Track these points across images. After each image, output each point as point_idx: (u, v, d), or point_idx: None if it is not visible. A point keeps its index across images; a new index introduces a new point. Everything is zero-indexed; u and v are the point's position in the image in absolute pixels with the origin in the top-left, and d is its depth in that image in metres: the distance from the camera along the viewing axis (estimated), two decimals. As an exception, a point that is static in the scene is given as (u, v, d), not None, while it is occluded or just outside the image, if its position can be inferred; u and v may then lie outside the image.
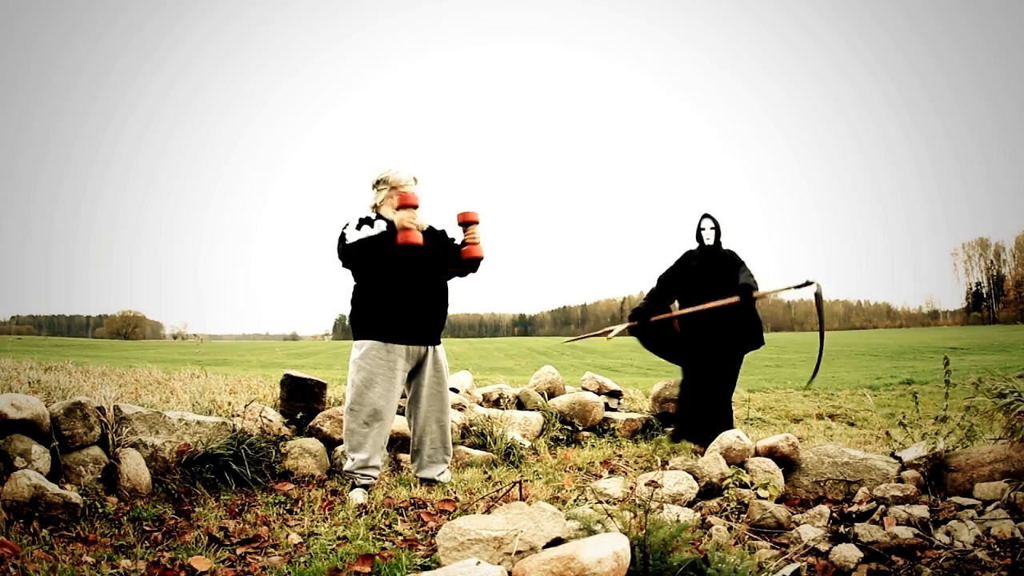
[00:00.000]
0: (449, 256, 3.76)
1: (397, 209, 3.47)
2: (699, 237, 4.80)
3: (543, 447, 4.65)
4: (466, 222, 3.70)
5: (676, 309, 4.80)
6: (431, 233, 3.75)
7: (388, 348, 3.49)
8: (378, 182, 3.66)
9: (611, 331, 4.96)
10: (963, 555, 2.29)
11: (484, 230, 3.76)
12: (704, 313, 4.54)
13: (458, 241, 3.77)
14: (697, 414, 4.61)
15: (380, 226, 3.47)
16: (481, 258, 3.70)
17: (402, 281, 3.52)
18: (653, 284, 4.90)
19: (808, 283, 4.38)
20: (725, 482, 3.22)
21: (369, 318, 3.52)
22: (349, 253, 3.45)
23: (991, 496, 2.82)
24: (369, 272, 3.55)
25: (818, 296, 4.48)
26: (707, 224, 4.76)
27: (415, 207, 3.46)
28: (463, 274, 3.83)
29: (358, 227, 3.50)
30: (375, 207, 3.69)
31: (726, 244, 4.82)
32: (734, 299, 4.42)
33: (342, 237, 3.48)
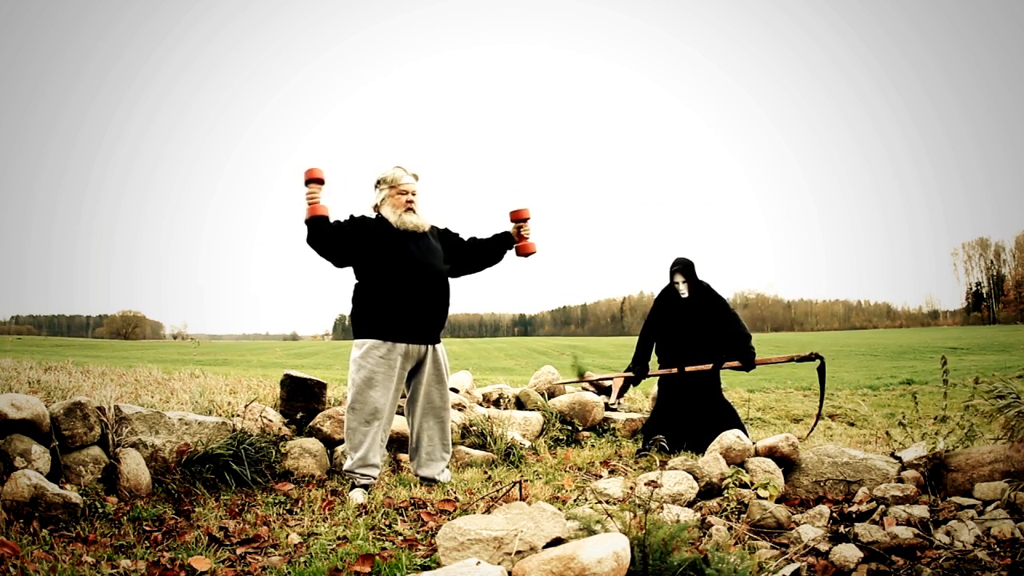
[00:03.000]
0: (452, 254, 3.78)
1: (305, 181, 3.50)
2: (674, 291, 4.66)
3: (543, 447, 4.65)
4: (520, 219, 3.86)
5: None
6: (432, 233, 3.75)
7: (389, 347, 3.49)
8: (378, 182, 3.70)
9: (616, 378, 5.08)
10: (963, 555, 2.29)
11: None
12: (681, 347, 4.56)
13: (474, 236, 3.92)
14: (668, 426, 4.47)
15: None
16: (535, 253, 3.88)
17: (403, 280, 3.52)
18: (639, 339, 4.79)
19: (813, 356, 4.61)
20: (725, 482, 3.22)
21: (370, 317, 3.52)
22: (312, 241, 3.47)
23: (991, 496, 2.82)
24: (345, 260, 3.58)
25: (821, 369, 4.77)
26: (679, 279, 4.63)
27: (315, 180, 3.48)
28: (477, 270, 3.93)
29: (347, 220, 3.58)
30: (376, 207, 3.71)
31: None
32: (735, 363, 4.49)
33: None
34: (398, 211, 3.61)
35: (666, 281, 4.75)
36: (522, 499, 3.12)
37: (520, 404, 5.37)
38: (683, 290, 4.62)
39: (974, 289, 72.26)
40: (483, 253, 3.88)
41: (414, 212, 3.64)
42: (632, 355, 4.77)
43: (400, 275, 3.52)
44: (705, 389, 4.50)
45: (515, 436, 4.52)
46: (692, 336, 4.56)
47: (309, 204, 3.46)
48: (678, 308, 4.63)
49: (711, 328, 4.56)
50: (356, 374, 3.49)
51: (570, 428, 5.08)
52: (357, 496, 3.29)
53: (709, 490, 3.23)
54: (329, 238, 3.47)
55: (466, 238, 3.91)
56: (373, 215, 3.69)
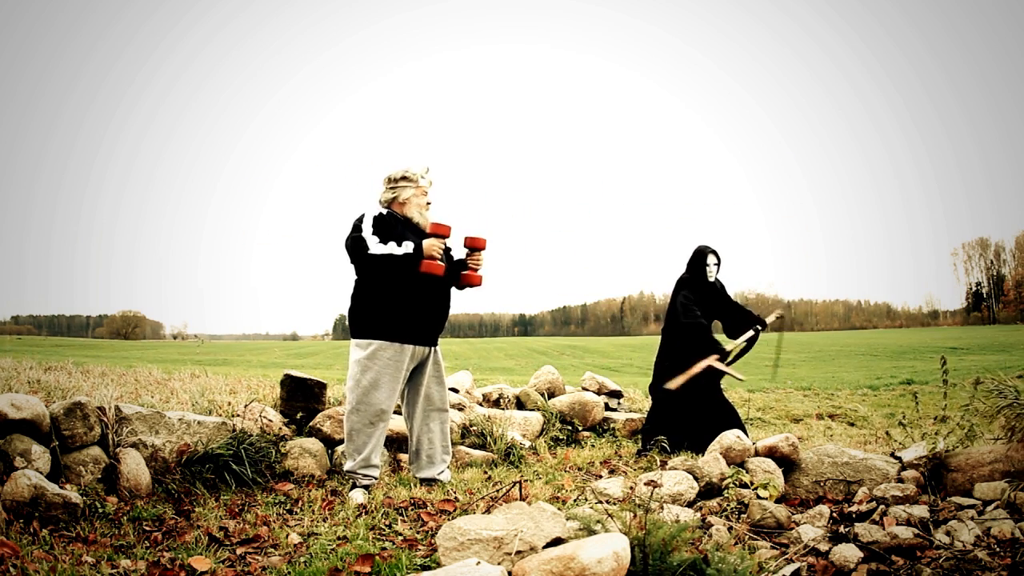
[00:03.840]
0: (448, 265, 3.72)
1: (430, 233, 3.49)
2: (703, 272, 4.59)
3: (543, 447, 4.65)
4: (473, 247, 3.65)
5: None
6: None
7: (397, 348, 3.47)
8: (402, 178, 3.59)
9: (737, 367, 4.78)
10: (963, 555, 2.29)
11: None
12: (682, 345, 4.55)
13: (455, 257, 3.76)
14: (668, 426, 4.47)
15: (407, 246, 3.41)
16: (478, 285, 3.68)
17: (410, 283, 3.50)
18: (693, 312, 4.48)
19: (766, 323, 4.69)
20: (725, 482, 3.22)
21: (378, 317, 3.47)
22: (371, 264, 3.41)
23: (991, 496, 2.82)
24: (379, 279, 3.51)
25: (781, 317, 4.87)
26: (712, 260, 4.61)
27: (446, 237, 3.50)
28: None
29: (373, 225, 3.44)
30: (394, 202, 3.60)
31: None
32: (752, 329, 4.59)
33: (361, 241, 3.40)
34: (423, 212, 3.60)
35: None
36: (522, 499, 3.12)
37: (520, 404, 5.37)
38: (713, 272, 4.63)
39: (974, 289, 72.29)
40: (452, 270, 3.69)
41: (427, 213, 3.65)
42: (702, 341, 4.42)
43: (414, 277, 3.49)
44: (705, 389, 4.49)
45: (515, 436, 4.52)
46: (718, 319, 4.65)
47: (432, 258, 3.42)
48: (705, 292, 4.63)
49: (726, 312, 4.69)
50: (362, 375, 3.45)
51: (570, 428, 5.09)
52: (357, 496, 3.29)
53: (709, 490, 3.23)
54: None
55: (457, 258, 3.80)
56: (384, 210, 3.57)
